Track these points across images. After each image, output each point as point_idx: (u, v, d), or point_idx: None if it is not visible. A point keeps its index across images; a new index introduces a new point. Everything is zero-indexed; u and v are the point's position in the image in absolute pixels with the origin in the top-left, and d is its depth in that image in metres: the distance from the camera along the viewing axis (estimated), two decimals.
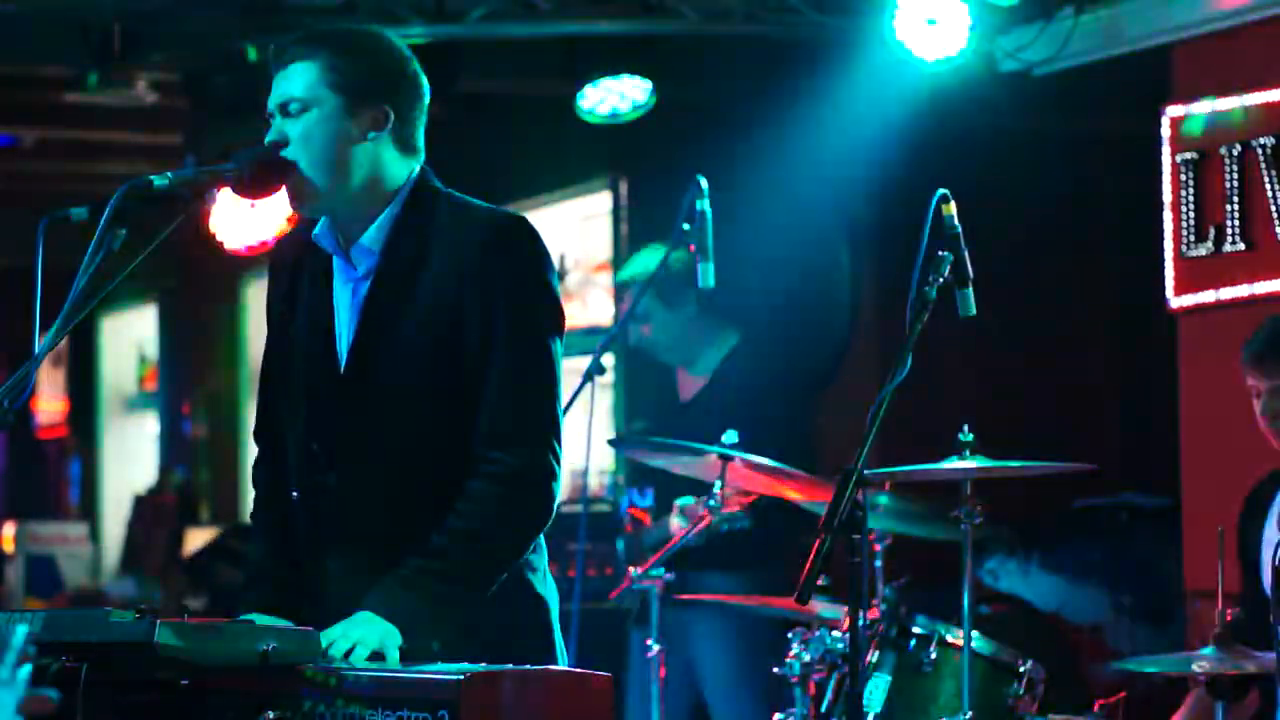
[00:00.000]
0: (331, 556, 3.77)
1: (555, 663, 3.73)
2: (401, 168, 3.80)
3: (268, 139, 3.74)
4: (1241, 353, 5.23)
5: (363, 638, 3.50)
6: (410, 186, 3.80)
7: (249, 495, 4.03)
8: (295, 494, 3.83)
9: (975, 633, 5.02)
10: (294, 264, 3.90)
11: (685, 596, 6.06)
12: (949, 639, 5.20)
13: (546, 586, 3.82)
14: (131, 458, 15.51)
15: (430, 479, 3.70)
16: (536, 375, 3.72)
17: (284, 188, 3.73)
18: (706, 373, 6.64)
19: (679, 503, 6.22)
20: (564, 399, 3.83)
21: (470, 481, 3.67)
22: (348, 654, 3.47)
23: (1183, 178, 6.94)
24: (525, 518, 3.71)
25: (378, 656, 3.50)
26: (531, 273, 3.74)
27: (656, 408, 6.96)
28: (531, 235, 3.76)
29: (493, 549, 3.68)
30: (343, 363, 3.75)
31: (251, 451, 4.01)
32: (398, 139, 3.79)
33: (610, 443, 6.42)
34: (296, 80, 3.73)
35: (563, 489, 3.76)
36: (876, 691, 5.21)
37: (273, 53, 3.80)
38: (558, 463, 3.71)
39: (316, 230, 3.82)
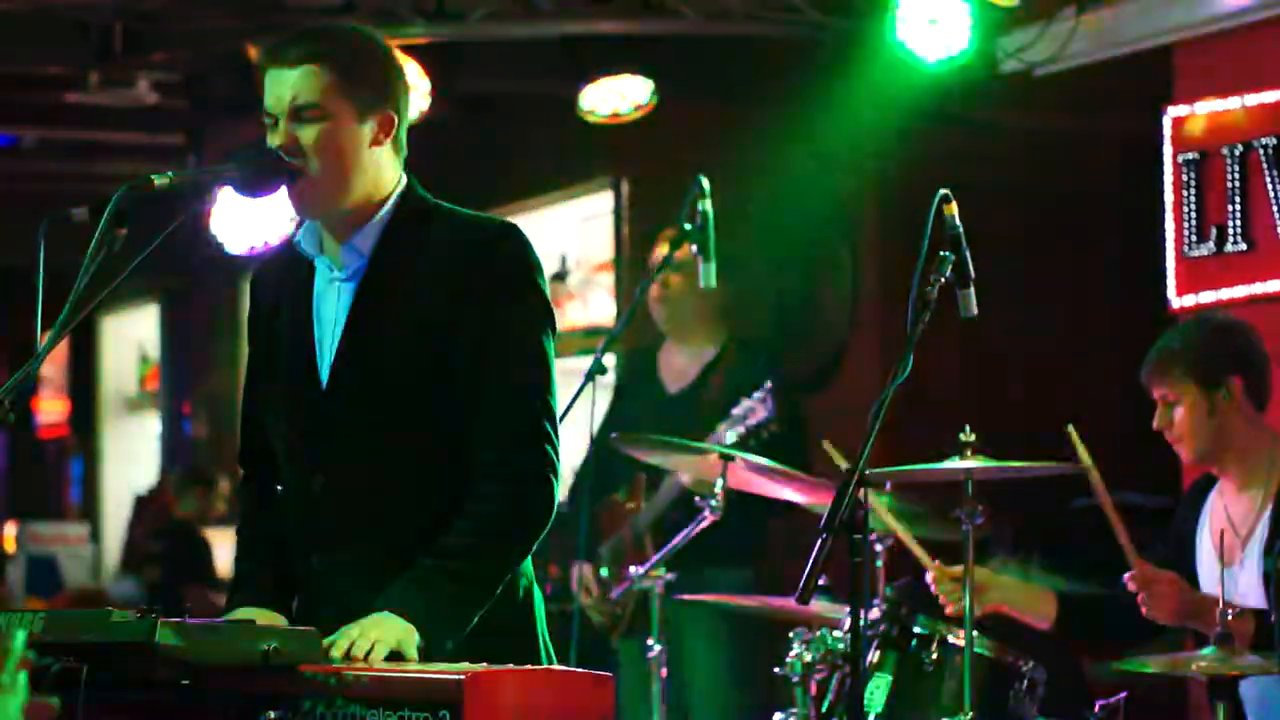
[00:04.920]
0: (318, 556, 3.77)
1: (541, 663, 3.73)
2: (394, 171, 3.80)
3: (276, 143, 3.69)
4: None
5: (381, 637, 3.49)
6: (401, 191, 3.80)
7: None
8: (280, 488, 3.84)
9: (976, 633, 5.02)
10: (275, 282, 3.89)
11: (685, 597, 6.06)
12: (950, 639, 5.19)
13: (531, 586, 3.81)
14: (132, 458, 15.48)
15: (418, 481, 3.71)
16: (531, 374, 3.72)
17: (287, 191, 3.71)
18: (695, 362, 6.75)
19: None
20: (561, 397, 3.83)
21: (477, 484, 3.67)
22: (367, 654, 3.46)
23: (1184, 178, 6.94)
24: (532, 516, 3.70)
25: (396, 656, 3.49)
26: (518, 274, 3.73)
27: (639, 400, 6.98)
28: (519, 240, 3.75)
29: (503, 548, 3.69)
30: (327, 366, 3.74)
31: None
32: (394, 142, 3.79)
33: (611, 441, 6.42)
34: (308, 84, 3.67)
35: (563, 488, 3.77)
36: (878, 692, 5.21)
37: (273, 50, 3.74)
38: (558, 459, 3.72)
39: (298, 236, 3.82)
